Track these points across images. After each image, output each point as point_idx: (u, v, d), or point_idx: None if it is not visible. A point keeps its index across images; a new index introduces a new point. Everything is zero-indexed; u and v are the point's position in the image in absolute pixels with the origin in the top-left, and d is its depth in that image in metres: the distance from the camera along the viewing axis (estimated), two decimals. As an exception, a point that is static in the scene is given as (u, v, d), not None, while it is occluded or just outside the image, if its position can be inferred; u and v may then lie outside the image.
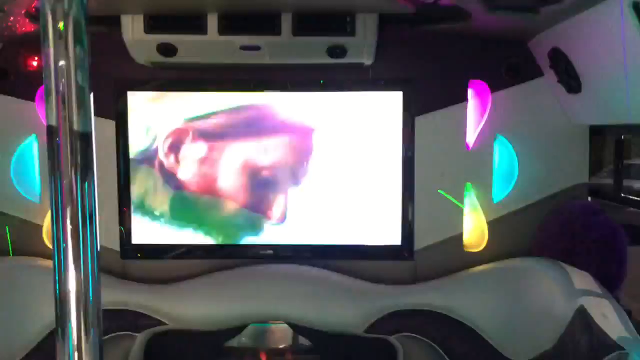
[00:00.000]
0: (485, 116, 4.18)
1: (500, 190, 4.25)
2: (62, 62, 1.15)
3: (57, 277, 1.18)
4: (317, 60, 3.85)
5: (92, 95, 1.20)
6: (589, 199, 4.24)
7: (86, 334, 1.19)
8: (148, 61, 3.91)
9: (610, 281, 3.74)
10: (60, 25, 1.14)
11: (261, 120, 4.14)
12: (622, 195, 4.09)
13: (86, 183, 1.17)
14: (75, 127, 1.17)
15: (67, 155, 1.15)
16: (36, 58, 4.10)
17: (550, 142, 4.16)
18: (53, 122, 1.16)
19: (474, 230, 4.30)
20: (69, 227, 1.15)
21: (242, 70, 4.07)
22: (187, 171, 4.19)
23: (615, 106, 3.49)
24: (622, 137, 4.07)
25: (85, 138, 1.18)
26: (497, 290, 3.97)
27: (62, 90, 1.16)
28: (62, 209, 1.15)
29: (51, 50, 1.14)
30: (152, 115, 4.16)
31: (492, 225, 4.25)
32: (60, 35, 1.14)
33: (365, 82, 4.14)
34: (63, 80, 1.16)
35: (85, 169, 1.17)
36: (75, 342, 1.18)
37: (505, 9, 3.34)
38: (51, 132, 1.15)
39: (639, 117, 3.32)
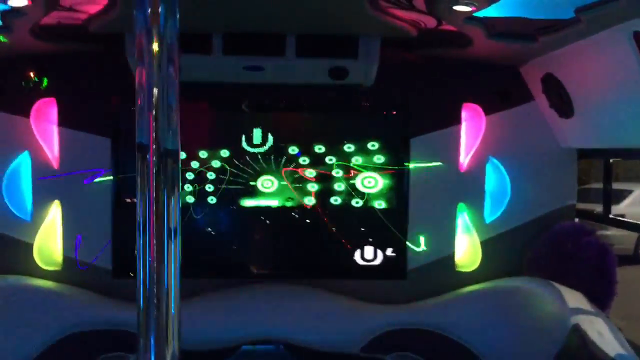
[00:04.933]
0: (479, 139, 4.30)
1: (493, 211, 4.35)
2: (155, 82, 1.18)
3: (141, 291, 1.20)
4: (318, 81, 3.91)
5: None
6: (576, 220, 4.38)
7: (167, 346, 1.21)
8: (148, 80, 3.90)
9: (600, 300, 3.87)
10: (155, 46, 1.18)
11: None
12: (610, 216, 4.24)
13: (172, 199, 1.20)
14: (165, 145, 1.19)
15: (158, 173, 1.17)
16: (32, 74, 4.06)
17: (541, 165, 4.29)
18: (144, 140, 1.18)
19: (467, 250, 4.38)
20: (154, 242, 1.19)
21: (244, 89, 4.09)
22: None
23: (606, 130, 3.64)
24: (611, 160, 4.23)
25: (173, 156, 1.21)
26: (490, 309, 4.04)
27: (154, 110, 1.18)
28: (150, 225, 1.18)
29: (146, 71, 1.17)
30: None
31: (485, 245, 4.34)
32: (154, 56, 1.18)
33: (363, 104, 4.21)
34: (154, 99, 1.19)
35: (172, 186, 1.20)
36: (155, 355, 1.20)
37: (506, 36, 3.47)
38: (142, 150, 1.18)
39: (628, 140, 3.47)
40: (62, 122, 4.14)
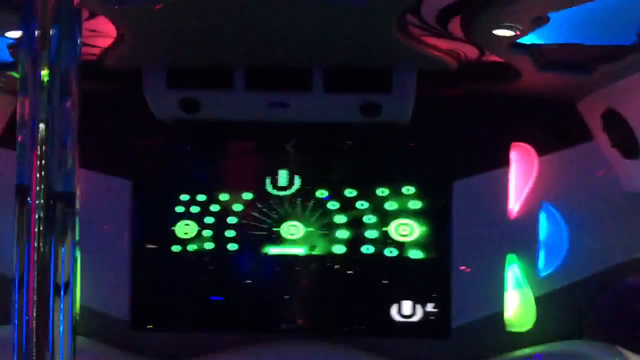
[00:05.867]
0: (530, 182, 3.86)
1: (548, 264, 3.87)
2: (40, 116, 1.05)
3: (15, 356, 1.06)
4: (349, 119, 3.59)
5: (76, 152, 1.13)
6: (647, 275, 3.85)
7: None
8: (170, 118, 3.69)
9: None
10: (43, 74, 1.05)
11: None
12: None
13: (63, 249, 1.10)
14: (54, 187, 1.09)
15: (41, 218, 1.06)
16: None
17: (603, 212, 3.81)
18: (24, 181, 1.05)
19: (519, 307, 3.91)
20: (34, 299, 1.04)
21: (268, 127, 3.82)
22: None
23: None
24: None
25: (66, 199, 1.12)
26: (547, 377, 3.55)
27: (38, 147, 1.06)
28: (29, 279, 1.05)
29: (29, 102, 1.04)
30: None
31: (539, 302, 3.85)
32: (42, 86, 1.05)
33: (399, 143, 3.86)
34: (39, 135, 1.06)
35: (63, 234, 1.10)
36: None
37: (559, 67, 3.08)
38: (22, 192, 1.06)
39: None
40: (82, 164, 3.93)
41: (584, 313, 3.78)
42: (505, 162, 3.86)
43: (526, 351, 3.74)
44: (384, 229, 3.84)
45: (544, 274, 3.87)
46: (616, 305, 3.65)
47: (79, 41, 1.08)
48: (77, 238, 1.13)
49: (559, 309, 3.82)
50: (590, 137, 3.79)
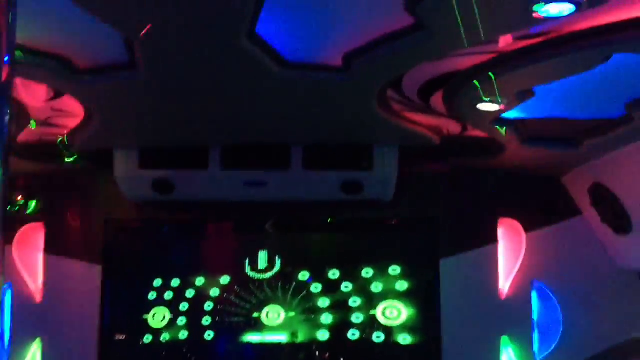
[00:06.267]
0: (520, 259, 3.70)
1: (543, 346, 3.65)
2: None
3: None
4: (330, 197, 3.45)
5: None
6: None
7: None
8: (142, 199, 3.52)
9: None
10: None
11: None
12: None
13: None
14: None
15: None
16: (19, 197, 3.72)
17: (596, 289, 3.63)
18: None
19: (515, 394, 3.65)
20: None
21: (245, 206, 3.65)
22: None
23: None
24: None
25: None
26: None
27: None
28: None
29: None
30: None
31: (537, 387, 3.61)
32: None
33: (383, 221, 3.72)
34: None
35: None
36: None
37: (544, 140, 2.99)
38: None
39: None
40: (49, 249, 3.71)
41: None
42: (493, 239, 3.71)
43: None
44: (370, 312, 3.62)
45: (540, 357, 3.64)
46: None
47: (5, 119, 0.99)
48: None
49: None
50: (578, 212, 3.67)
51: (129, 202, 3.55)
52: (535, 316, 3.68)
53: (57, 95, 2.54)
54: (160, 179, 3.34)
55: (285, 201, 3.54)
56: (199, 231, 3.78)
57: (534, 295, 3.69)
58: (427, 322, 3.62)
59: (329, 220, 3.72)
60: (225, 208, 3.66)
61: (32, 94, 2.51)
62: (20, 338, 3.64)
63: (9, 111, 1.00)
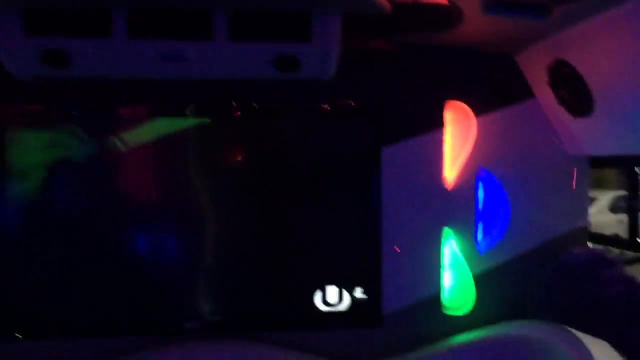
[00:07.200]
0: (467, 146, 3.42)
1: (487, 237, 3.47)
2: None
3: None
4: (260, 75, 2.96)
5: None
6: (590, 245, 3.54)
7: None
8: (30, 75, 2.89)
9: (631, 351, 3.03)
10: None
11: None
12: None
13: None
14: None
15: None
16: None
17: (545, 177, 3.44)
18: None
19: (456, 288, 3.50)
20: None
21: (161, 86, 3.11)
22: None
23: (636, 133, 2.82)
24: (637, 169, 3.41)
25: None
26: (490, 363, 3.17)
27: None
28: None
29: None
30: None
31: (479, 280, 3.45)
32: None
33: (320, 104, 3.29)
34: None
35: None
36: None
37: (510, 8, 2.60)
38: None
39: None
40: None
41: (527, 291, 3.42)
42: (438, 124, 3.39)
43: (467, 336, 3.35)
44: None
45: (482, 249, 3.47)
46: (561, 281, 3.31)
47: None
48: None
49: (501, 287, 3.45)
50: (532, 94, 3.38)
51: (15, 81, 2.92)
52: (480, 206, 3.47)
53: None
54: (52, 48, 2.72)
55: (209, 81, 3.02)
56: (103, 116, 3.21)
57: (480, 184, 3.46)
58: (367, 214, 3.33)
59: (254, 105, 3.25)
60: (137, 88, 3.11)
61: None
62: None
63: None
